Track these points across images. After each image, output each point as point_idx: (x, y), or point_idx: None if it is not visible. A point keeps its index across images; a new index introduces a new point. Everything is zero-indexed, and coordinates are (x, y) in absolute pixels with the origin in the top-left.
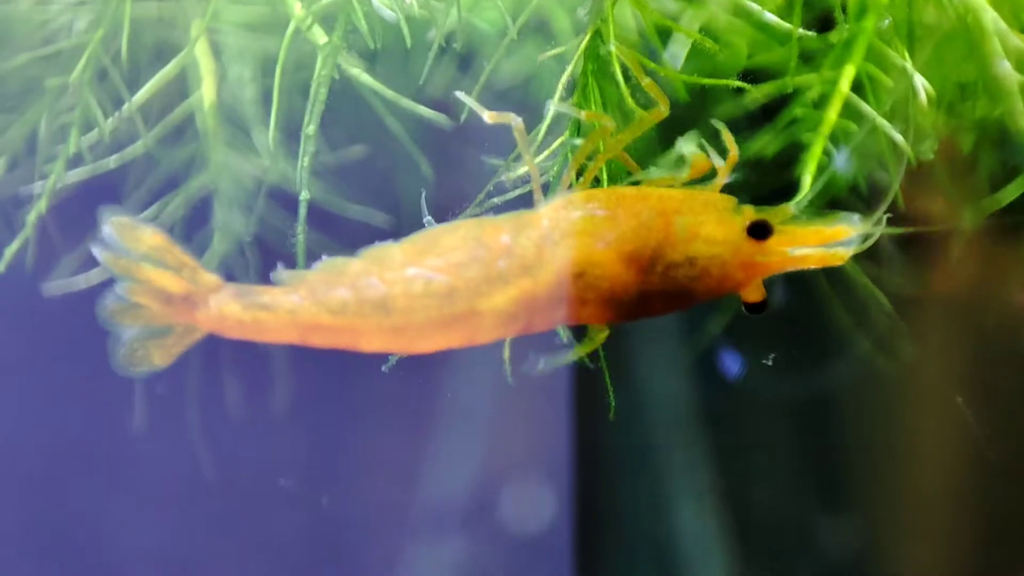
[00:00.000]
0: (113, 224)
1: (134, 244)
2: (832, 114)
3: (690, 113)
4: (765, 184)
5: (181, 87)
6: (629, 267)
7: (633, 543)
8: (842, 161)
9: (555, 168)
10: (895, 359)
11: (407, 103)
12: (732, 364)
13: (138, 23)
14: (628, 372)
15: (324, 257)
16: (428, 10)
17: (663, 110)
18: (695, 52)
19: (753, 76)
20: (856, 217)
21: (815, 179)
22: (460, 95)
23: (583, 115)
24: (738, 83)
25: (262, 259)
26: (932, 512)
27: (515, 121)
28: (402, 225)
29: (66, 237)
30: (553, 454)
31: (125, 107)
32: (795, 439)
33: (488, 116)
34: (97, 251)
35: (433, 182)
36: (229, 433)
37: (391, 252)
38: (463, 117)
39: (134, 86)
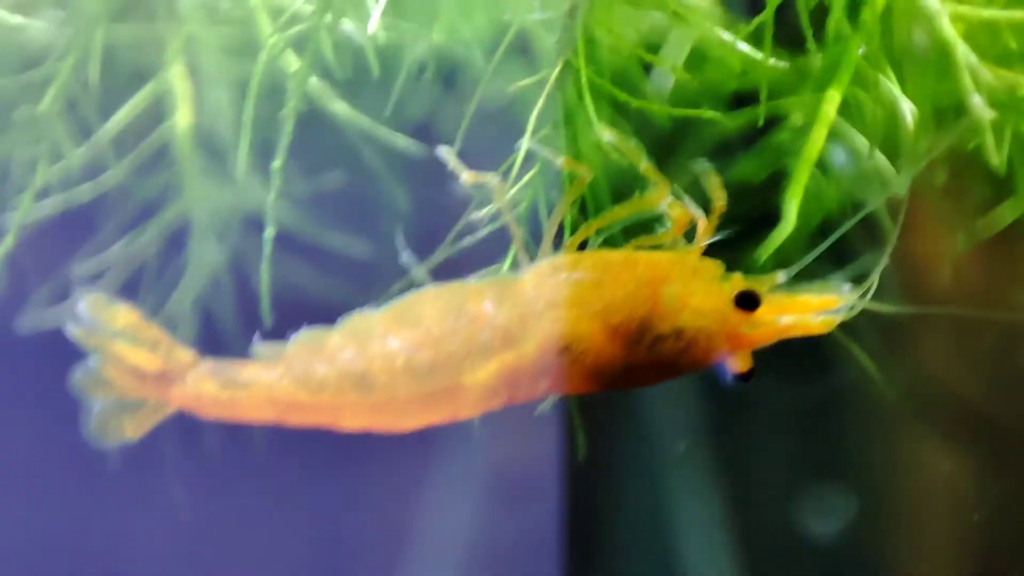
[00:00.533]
0: (87, 302)
1: (109, 322)
2: (817, 139)
3: (675, 136)
4: (754, 209)
5: (160, 113)
6: (615, 340)
7: (633, 561)
8: (841, 159)
9: (524, 204)
10: (892, 372)
11: (383, 131)
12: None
13: (114, 49)
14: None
15: (303, 328)
16: (398, 32)
17: (663, 192)
18: (686, 69)
19: (745, 96)
20: (847, 286)
21: (802, 205)
22: (443, 151)
23: (560, 161)
24: (713, 114)
25: (238, 288)
26: (934, 523)
27: (494, 181)
28: (382, 254)
29: (40, 265)
30: (548, 477)
31: (96, 136)
32: (798, 450)
33: (466, 176)
34: (70, 328)
35: (414, 209)
36: (208, 475)
37: (370, 323)
38: (455, 142)
39: (111, 112)
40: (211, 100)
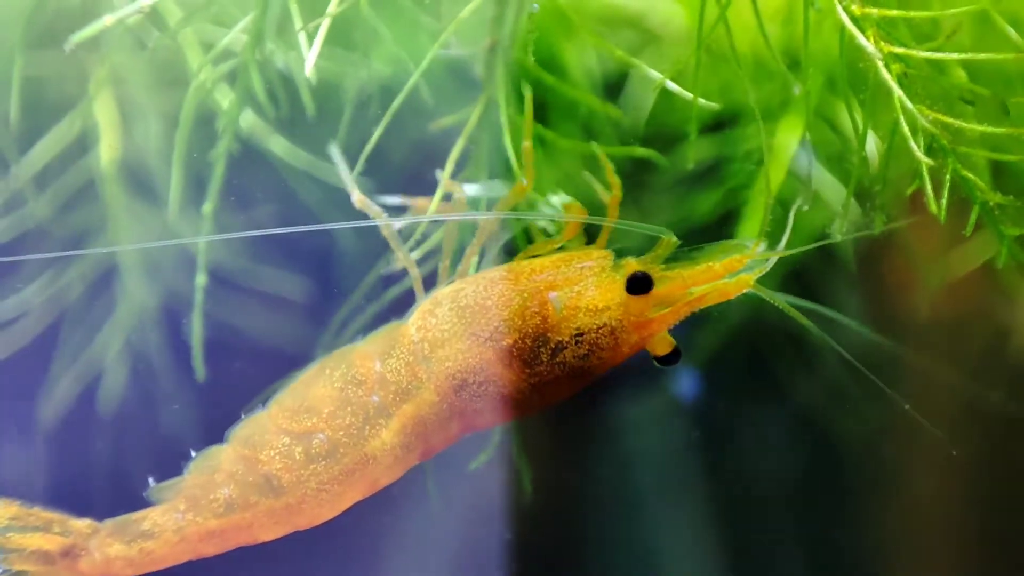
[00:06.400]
0: None
1: None
2: (776, 174)
3: (636, 171)
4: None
5: (84, 147)
6: (512, 363)
7: None
8: (805, 159)
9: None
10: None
11: (319, 170)
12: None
13: (35, 80)
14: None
15: (193, 454)
16: (338, 63)
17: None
18: (662, 94)
19: (725, 120)
20: (749, 242)
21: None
22: (333, 153)
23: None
24: (647, 151)
25: (171, 330)
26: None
27: (382, 218)
28: (323, 296)
29: None
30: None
31: (15, 170)
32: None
33: (356, 199)
34: None
35: (356, 246)
36: None
37: (260, 424)
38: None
39: (31, 146)
40: (139, 133)
